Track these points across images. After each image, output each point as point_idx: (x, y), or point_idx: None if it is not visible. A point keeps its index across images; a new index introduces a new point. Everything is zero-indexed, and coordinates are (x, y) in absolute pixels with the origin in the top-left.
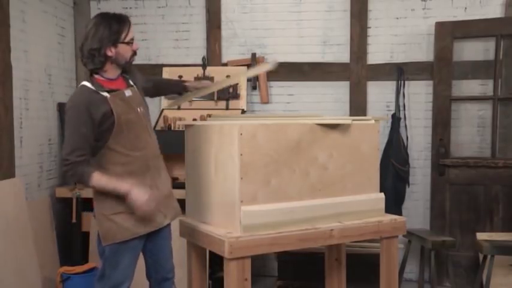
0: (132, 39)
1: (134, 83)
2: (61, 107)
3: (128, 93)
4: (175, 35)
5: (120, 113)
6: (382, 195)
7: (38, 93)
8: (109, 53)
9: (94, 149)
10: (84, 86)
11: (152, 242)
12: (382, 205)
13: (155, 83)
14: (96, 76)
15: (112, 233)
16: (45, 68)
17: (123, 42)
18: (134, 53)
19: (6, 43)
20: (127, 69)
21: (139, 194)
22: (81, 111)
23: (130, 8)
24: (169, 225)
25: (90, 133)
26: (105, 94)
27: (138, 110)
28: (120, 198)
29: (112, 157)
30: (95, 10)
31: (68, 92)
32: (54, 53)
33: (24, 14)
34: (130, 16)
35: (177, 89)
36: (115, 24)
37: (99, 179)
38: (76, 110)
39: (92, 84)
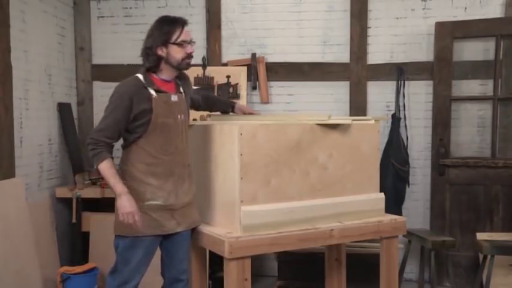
0: (186, 41)
1: (184, 91)
2: (61, 107)
3: (174, 98)
4: None
5: (158, 114)
6: (382, 195)
7: (38, 93)
8: (160, 53)
9: (125, 142)
10: (136, 78)
11: (169, 241)
12: (382, 205)
13: (205, 97)
14: (152, 74)
15: (123, 226)
16: (45, 68)
17: (174, 43)
18: (187, 56)
19: (6, 43)
20: (181, 74)
21: (125, 204)
22: (123, 99)
23: (131, 8)
24: (188, 230)
25: (124, 122)
26: (152, 92)
27: (179, 116)
28: (138, 197)
29: (139, 155)
30: (95, 10)
31: (68, 92)
32: (54, 53)
33: (24, 14)
34: (131, 16)
35: (225, 108)
36: (166, 26)
37: (106, 166)
38: (119, 96)
39: (144, 79)
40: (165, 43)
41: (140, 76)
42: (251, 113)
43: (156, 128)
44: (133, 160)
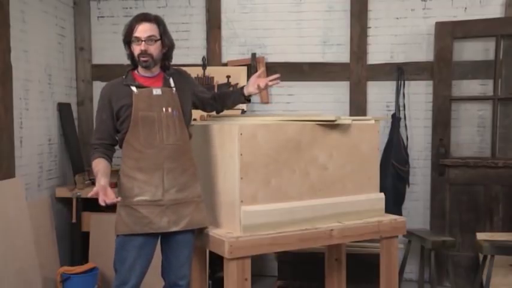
0: (138, 38)
1: (176, 86)
2: (61, 107)
3: (156, 91)
4: (175, 35)
5: (139, 108)
6: (382, 195)
7: (38, 93)
8: (128, 51)
9: (119, 142)
10: (120, 77)
11: (167, 245)
12: (382, 205)
13: (215, 95)
14: (134, 71)
15: (117, 225)
16: (45, 68)
17: (131, 41)
18: (141, 53)
19: (6, 43)
20: (176, 70)
21: (94, 190)
22: (103, 99)
23: (131, 8)
24: (189, 232)
25: (109, 121)
26: (133, 88)
27: (164, 109)
28: (127, 193)
29: (128, 151)
30: (94, 10)
31: (68, 92)
32: (54, 53)
33: (24, 14)
34: (131, 16)
35: (238, 98)
36: (128, 24)
37: (95, 164)
38: (101, 98)
39: (126, 76)
40: (127, 42)
41: (124, 76)
42: (266, 83)
43: (138, 121)
44: (124, 157)
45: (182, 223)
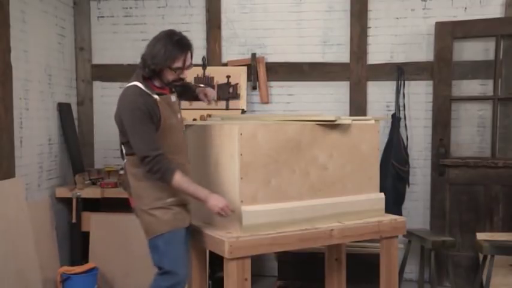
0: (183, 67)
1: (175, 90)
2: (61, 107)
3: (173, 98)
4: None
5: (165, 117)
6: (382, 195)
7: (38, 93)
8: (155, 68)
9: None
10: (137, 87)
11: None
12: (382, 205)
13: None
14: (148, 79)
15: (153, 227)
16: (45, 68)
17: (169, 68)
18: (179, 79)
19: (6, 43)
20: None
21: (218, 201)
22: (143, 111)
23: (131, 8)
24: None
25: (154, 131)
26: (156, 96)
27: (178, 115)
28: (157, 195)
29: None
30: (94, 10)
31: (68, 92)
32: (54, 53)
33: (24, 14)
34: (131, 16)
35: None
36: (173, 50)
37: (181, 179)
38: (138, 110)
39: (145, 86)
40: (162, 66)
41: (139, 84)
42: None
43: (165, 130)
44: None
45: (190, 218)
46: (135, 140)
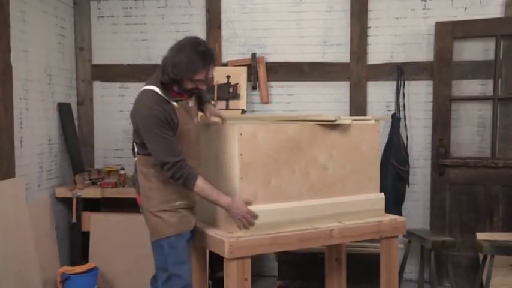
0: (201, 80)
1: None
2: (61, 107)
3: (191, 103)
4: (175, 35)
5: (182, 123)
6: (382, 195)
7: (38, 93)
8: (175, 77)
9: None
10: (155, 93)
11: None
12: (382, 205)
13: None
14: (166, 84)
15: (160, 228)
16: (45, 68)
17: (190, 79)
18: (197, 89)
19: (6, 43)
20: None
21: (241, 208)
22: (160, 118)
23: (131, 8)
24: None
25: (173, 137)
26: (174, 103)
27: (195, 120)
28: (165, 197)
29: None
30: (94, 10)
31: (68, 92)
32: (54, 53)
33: (24, 14)
34: (131, 16)
35: (200, 105)
36: (197, 62)
37: (203, 185)
38: (155, 117)
39: (164, 93)
40: (182, 76)
41: (157, 89)
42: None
43: (181, 136)
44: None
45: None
46: (152, 147)
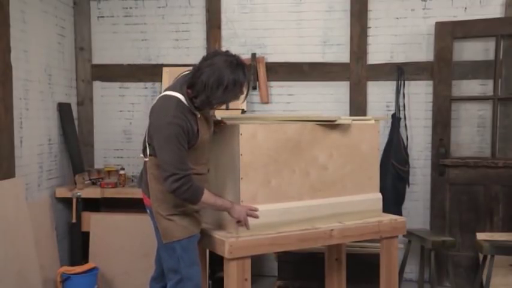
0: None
1: None
2: (61, 107)
3: (211, 112)
4: (175, 35)
5: (202, 133)
6: (380, 195)
7: (38, 93)
8: (202, 100)
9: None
10: (180, 101)
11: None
12: (380, 205)
13: None
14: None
15: (171, 231)
16: (45, 68)
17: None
18: (212, 109)
19: (6, 43)
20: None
21: (240, 211)
22: (182, 128)
23: (131, 8)
24: None
25: (186, 150)
26: (197, 113)
27: (212, 128)
28: (177, 201)
29: None
30: (95, 10)
31: (68, 92)
32: (54, 53)
33: (24, 14)
34: (131, 16)
35: None
36: (227, 96)
37: (209, 196)
38: (177, 126)
39: (188, 103)
40: (211, 105)
41: (182, 98)
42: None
43: (198, 145)
44: None
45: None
46: (165, 155)
